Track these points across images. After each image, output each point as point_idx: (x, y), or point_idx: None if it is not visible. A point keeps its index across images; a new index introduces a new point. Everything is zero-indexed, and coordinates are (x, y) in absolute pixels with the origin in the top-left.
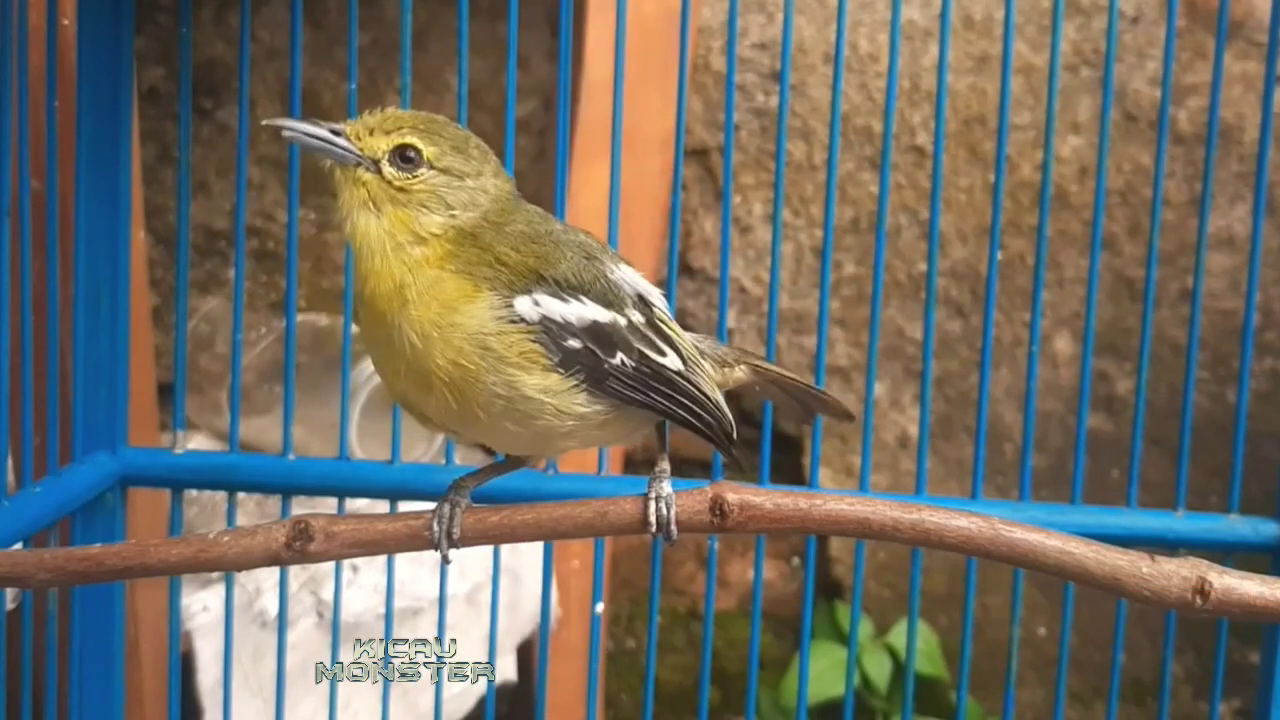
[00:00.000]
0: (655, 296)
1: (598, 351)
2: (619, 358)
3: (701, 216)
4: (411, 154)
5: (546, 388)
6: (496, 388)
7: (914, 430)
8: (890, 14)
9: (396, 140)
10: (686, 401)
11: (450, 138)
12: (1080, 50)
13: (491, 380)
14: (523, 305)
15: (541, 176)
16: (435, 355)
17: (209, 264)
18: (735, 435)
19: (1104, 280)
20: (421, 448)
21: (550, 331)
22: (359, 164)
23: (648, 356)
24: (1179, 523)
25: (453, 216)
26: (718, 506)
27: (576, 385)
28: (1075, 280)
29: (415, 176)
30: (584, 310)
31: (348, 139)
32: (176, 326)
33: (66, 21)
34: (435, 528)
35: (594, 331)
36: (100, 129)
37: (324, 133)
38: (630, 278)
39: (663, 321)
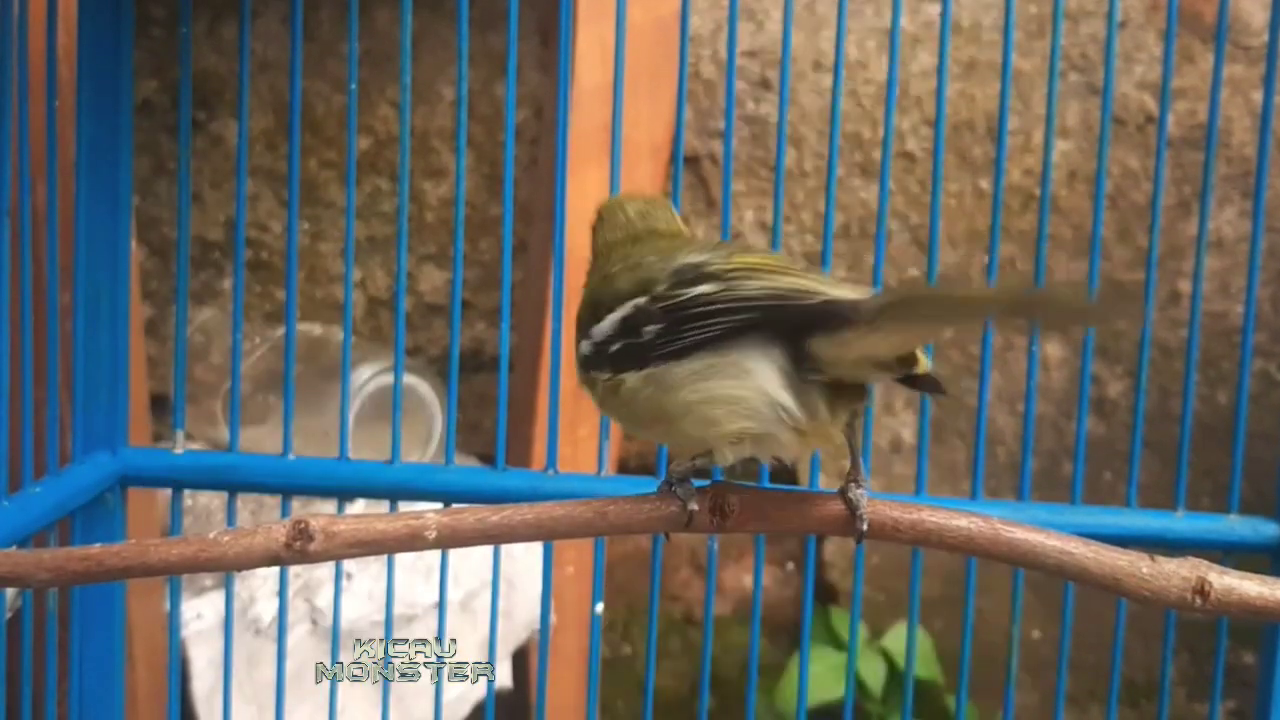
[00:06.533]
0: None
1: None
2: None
3: (693, 224)
4: None
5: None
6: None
7: (906, 434)
8: (876, 21)
9: None
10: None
11: None
12: (1067, 55)
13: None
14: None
15: (534, 184)
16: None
17: (203, 275)
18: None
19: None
20: (418, 452)
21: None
22: None
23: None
24: (1179, 523)
25: None
26: (718, 506)
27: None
28: (1064, 284)
29: None
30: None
31: None
32: (176, 326)
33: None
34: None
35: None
36: (99, 135)
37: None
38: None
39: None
